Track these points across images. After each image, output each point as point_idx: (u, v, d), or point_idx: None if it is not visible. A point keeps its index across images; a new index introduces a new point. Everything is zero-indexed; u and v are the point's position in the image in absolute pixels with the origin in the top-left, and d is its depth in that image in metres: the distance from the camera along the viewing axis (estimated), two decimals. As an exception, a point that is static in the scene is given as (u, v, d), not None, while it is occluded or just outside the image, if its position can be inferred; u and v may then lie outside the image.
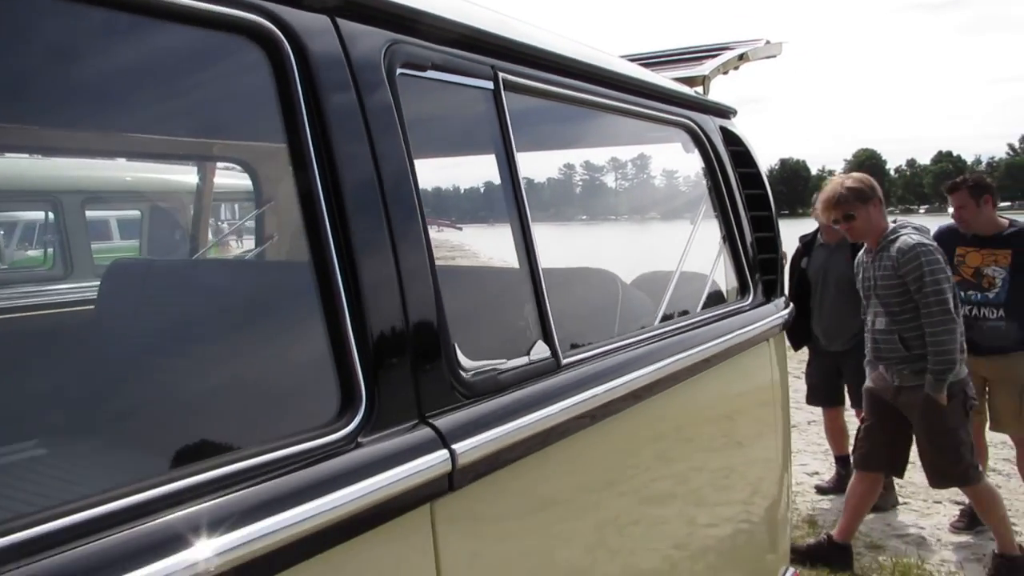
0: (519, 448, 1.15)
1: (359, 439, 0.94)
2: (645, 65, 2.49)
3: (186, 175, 5.49)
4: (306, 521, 0.82)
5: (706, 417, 1.92)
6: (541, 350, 1.28)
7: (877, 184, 3.70)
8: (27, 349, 2.20)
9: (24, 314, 3.00)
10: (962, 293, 3.96)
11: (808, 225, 5.32)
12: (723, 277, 2.16)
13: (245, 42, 0.95)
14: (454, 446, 1.01)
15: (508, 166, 1.32)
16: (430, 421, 1.02)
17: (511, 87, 1.36)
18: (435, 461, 0.99)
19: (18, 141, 2.65)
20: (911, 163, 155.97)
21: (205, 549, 0.74)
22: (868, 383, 3.77)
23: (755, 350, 2.13)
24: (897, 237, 3.45)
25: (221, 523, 0.76)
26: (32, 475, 1.33)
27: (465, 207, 1.42)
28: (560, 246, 1.58)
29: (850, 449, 4.35)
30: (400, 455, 0.95)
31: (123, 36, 0.98)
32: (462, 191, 1.57)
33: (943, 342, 3.22)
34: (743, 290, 2.12)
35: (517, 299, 1.32)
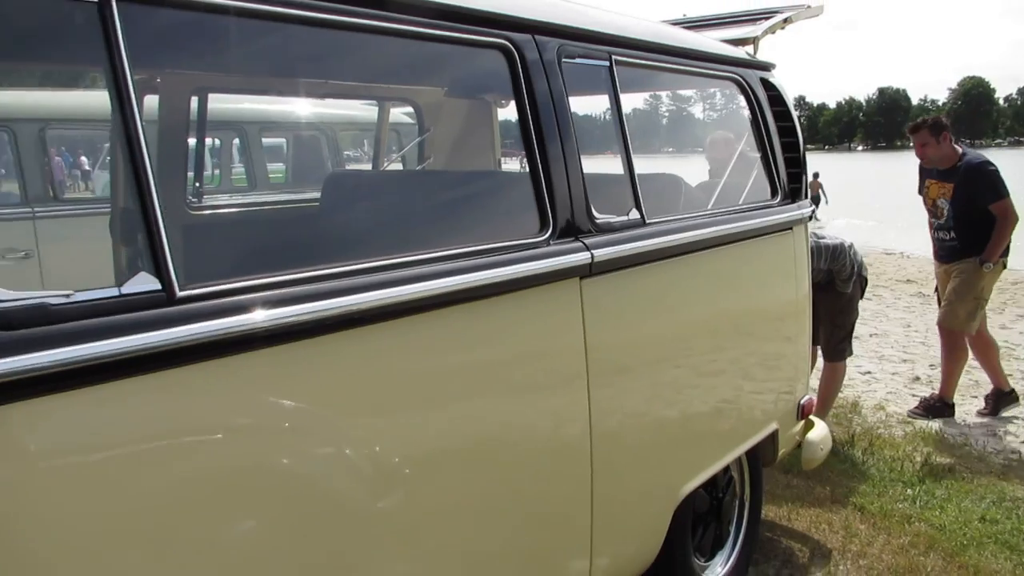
0: (620, 263, 2.18)
1: (549, 243, 1.99)
2: (705, 27, 3.44)
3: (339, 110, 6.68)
4: (532, 271, 1.88)
5: (745, 274, 2.92)
6: (634, 214, 2.30)
7: None
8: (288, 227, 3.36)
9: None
10: (929, 219, 5.15)
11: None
12: (760, 184, 3.11)
13: (496, 53, 1.98)
14: (593, 251, 2.06)
15: (617, 111, 2.33)
16: (581, 239, 2.06)
17: (619, 63, 2.35)
18: (583, 257, 2.03)
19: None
20: (1023, 92, 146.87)
21: (499, 273, 1.80)
22: None
23: (782, 234, 3.09)
24: None
25: (494, 266, 1.82)
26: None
27: (591, 134, 2.29)
28: (646, 161, 2.58)
29: None
30: (567, 251, 2.01)
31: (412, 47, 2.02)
32: (590, 125, 2.52)
33: (844, 266, 4.52)
34: (773, 192, 3.09)
35: (623, 188, 2.34)
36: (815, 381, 5.10)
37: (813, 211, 3.24)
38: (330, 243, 2.30)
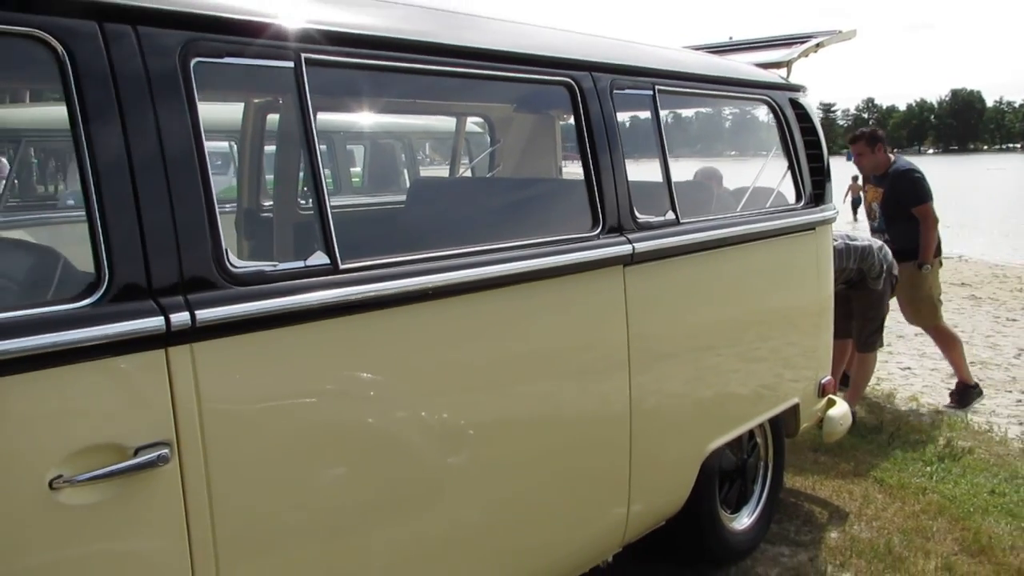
0: (657, 254, 2.71)
1: (599, 237, 2.53)
2: (746, 50, 3.94)
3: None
4: (585, 259, 2.43)
5: (771, 267, 3.41)
6: (670, 216, 2.83)
7: None
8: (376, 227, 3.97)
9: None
10: (868, 220, 5.95)
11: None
12: (786, 191, 3.60)
13: (562, 90, 2.53)
14: (634, 244, 2.59)
15: (658, 129, 2.86)
16: (625, 235, 2.60)
17: (661, 92, 2.88)
18: (626, 248, 2.57)
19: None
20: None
21: (560, 259, 2.35)
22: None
23: (805, 234, 3.58)
24: None
25: (557, 254, 2.37)
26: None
27: (637, 148, 2.79)
28: (683, 169, 3.11)
29: None
30: (613, 243, 2.55)
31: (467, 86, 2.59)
32: (635, 142, 3.05)
33: (873, 266, 5.03)
34: (797, 197, 3.58)
35: (661, 193, 2.87)
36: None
37: (835, 213, 3.73)
38: (430, 233, 2.88)
